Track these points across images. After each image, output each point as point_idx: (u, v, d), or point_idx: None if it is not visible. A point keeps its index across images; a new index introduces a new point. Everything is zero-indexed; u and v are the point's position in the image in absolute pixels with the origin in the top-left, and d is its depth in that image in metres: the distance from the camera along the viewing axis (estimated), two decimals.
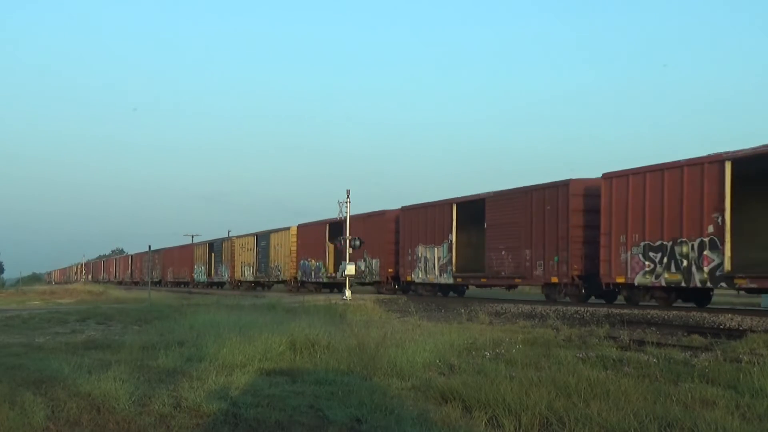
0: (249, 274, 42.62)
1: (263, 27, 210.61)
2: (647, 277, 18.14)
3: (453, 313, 19.39)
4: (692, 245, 16.99)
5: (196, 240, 59.97)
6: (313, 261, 36.20)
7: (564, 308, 18.66)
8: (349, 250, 29.43)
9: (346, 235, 29.33)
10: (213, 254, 49.39)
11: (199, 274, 51.28)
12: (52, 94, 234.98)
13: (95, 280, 77.72)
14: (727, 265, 16.18)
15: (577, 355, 9.90)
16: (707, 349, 11.09)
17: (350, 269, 28.53)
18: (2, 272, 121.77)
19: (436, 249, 26.61)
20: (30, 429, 5.74)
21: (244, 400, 6.69)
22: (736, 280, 16.37)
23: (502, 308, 20.14)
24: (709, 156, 16.78)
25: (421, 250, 27.64)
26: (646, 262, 18.16)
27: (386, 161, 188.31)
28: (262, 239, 41.33)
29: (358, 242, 29.59)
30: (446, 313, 19.96)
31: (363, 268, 31.62)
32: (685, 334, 13.82)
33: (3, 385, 7.40)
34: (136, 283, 64.66)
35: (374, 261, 31.07)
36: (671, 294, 18.60)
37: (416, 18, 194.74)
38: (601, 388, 6.87)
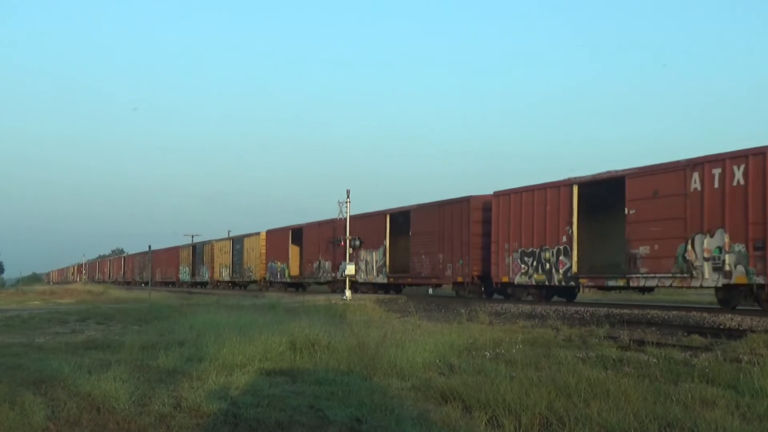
0: (226, 275, 46.26)
1: (263, 27, 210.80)
2: (523, 277, 22.43)
3: (453, 313, 19.39)
4: (552, 252, 21.27)
5: (197, 240, 60.40)
6: (278, 263, 40.03)
7: (564, 308, 18.68)
8: (349, 250, 29.48)
9: (346, 235, 29.39)
10: (195, 256, 52.73)
11: (184, 274, 54.60)
12: (52, 94, 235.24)
13: (91, 280, 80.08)
14: (575, 268, 20.57)
15: (577, 355, 9.90)
16: (707, 349, 11.09)
17: (350, 269, 28.59)
18: (2, 272, 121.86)
19: (374, 253, 30.84)
20: (30, 429, 5.74)
21: (244, 400, 6.69)
22: (580, 280, 20.83)
23: (502, 308, 20.15)
24: (563, 180, 21.12)
25: (363, 254, 31.62)
26: (522, 266, 22.44)
27: (386, 161, 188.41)
28: (237, 243, 45.10)
29: (358, 242, 29.68)
30: (446, 313, 19.97)
31: (317, 268, 35.66)
32: (685, 334, 13.83)
33: (3, 385, 7.40)
34: (128, 283, 67.36)
35: (326, 263, 35.03)
36: (541, 290, 22.35)
37: (416, 18, 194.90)
38: (601, 388, 6.87)
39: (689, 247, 17.10)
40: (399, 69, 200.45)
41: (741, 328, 13.88)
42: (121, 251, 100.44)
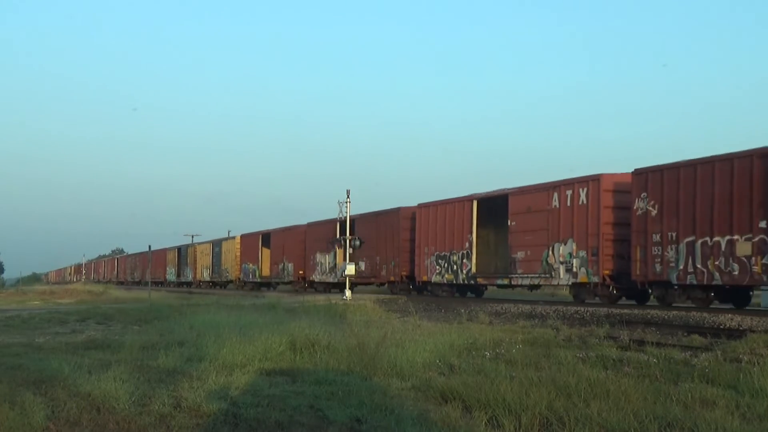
0: (207, 275, 50.42)
1: (263, 27, 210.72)
2: (437, 276, 26.72)
3: (453, 313, 19.39)
4: (459, 255, 25.57)
5: (197, 240, 61.49)
6: (251, 265, 43.99)
7: (564, 308, 18.69)
8: (349, 250, 29.50)
9: (346, 235, 29.42)
10: (180, 258, 56.63)
11: (170, 274, 58.71)
12: (51, 94, 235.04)
13: (88, 280, 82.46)
14: (474, 269, 25.01)
15: (577, 355, 9.90)
16: (707, 349, 11.09)
17: (350, 269, 28.60)
18: (2, 272, 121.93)
19: (327, 256, 35.09)
20: (30, 429, 5.74)
21: (244, 400, 6.69)
22: (478, 279, 25.18)
23: (502, 308, 20.16)
24: (467, 196, 25.59)
25: (318, 256, 36.06)
26: (437, 267, 26.70)
27: (386, 161, 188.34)
28: (216, 246, 49.45)
29: (358, 242, 29.71)
30: (446, 313, 19.97)
31: (282, 269, 39.74)
32: (685, 334, 13.83)
33: (3, 385, 7.40)
34: (121, 283, 70.61)
35: (290, 264, 39.16)
36: (452, 288, 26.77)
37: (416, 18, 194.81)
38: (601, 388, 6.87)
39: (551, 252, 21.35)
40: (399, 69, 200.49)
41: (741, 328, 13.88)
42: (121, 251, 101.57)
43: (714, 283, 16.92)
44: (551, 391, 6.71)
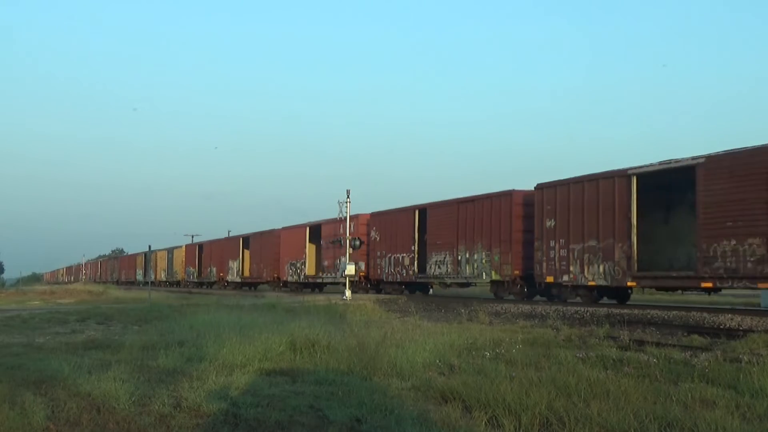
0: (163, 276, 61.21)
1: (263, 27, 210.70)
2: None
3: (453, 313, 19.39)
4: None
5: (196, 240, 63.81)
6: (191, 268, 55.54)
7: (564, 308, 18.68)
8: (349, 250, 29.50)
9: (346, 235, 29.42)
10: (147, 262, 63.99)
11: (139, 275, 68.38)
12: (52, 94, 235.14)
13: (77, 281, 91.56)
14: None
15: (577, 355, 9.89)
16: (707, 349, 11.09)
17: (350, 269, 28.60)
18: (2, 272, 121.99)
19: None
20: (30, 429, 5.74)
21: (244, 400, 6.69)
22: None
23: (502, 308, 20.15)
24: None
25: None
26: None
27: (386, 161, 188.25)
28: (170, 253, 60.05)
29: (358, 242, 29.72)
30: (446, 313, 19.96)
31: (209, 272, 49.45)
32: (685, 334, 13.82)
33: (3, 385, 7.40)
34: (104, 282, 78.83)
35: (213, 269, 49.84)
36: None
37: (417, 18, 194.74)
38: (601, 388, 6.87)
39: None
40: (399, 69, 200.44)
41: (741, 328, 13.89)
42: (121, 251, 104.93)
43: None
44: (551, 391, 6.71)
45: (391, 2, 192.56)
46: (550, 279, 21.35)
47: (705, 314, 15.87)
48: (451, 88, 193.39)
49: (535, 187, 22.25)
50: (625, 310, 17.13)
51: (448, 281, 26.55)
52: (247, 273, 45.42)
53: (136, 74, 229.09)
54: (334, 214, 31.47)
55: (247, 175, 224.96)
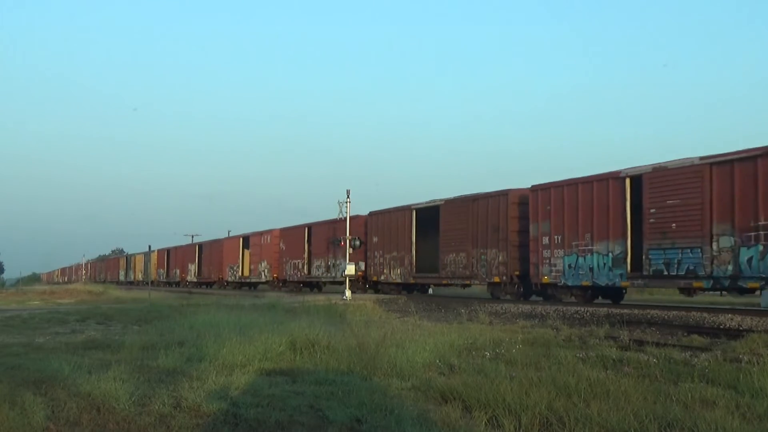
0: (141, 277, 68.87)
1: (263, 27, 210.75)
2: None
3: (453, 313, 19.39)
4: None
5: (196, 239, 65.47)
6: (161, 270, 65.16)
7: (564, 308, 18.68)
8: (349, 250, 29.50)
9: (346, 234, 29.43)
10: (128, 263, 76.93)
11: (122, 276, 78.78)
12: (52, 94, 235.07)
13: (70, 281, 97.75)
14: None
15: (577, 355, 9.90)
16: (707, 349, 11.09)
17: (350, 269, 28.60)
18: (2, 272, 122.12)
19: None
20: (30, 429, 5.74)
21: (244, 400, 6.69)
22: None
23: (502, 308, 20.14)
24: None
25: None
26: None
27: (386, 161, 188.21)
28: (146, 257, 66.39)
29: (358, 242, 29.72)
30: (446, 313, 19.96)
31: (174, 274, 57.78)
32: (685, 334, 13.82)
33: (3, 385, 7.39)
34: (95, 281, 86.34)
35: (176, 270, 59.26)
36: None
37: (417, 18, 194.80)
38: (601, 388, 6.87)
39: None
40: (400, 69, 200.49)
41: (741, 328, 13.88)
42: (121, 251, 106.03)
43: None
44: (551, 391, 6.71)
45: (391, 2, 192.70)
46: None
47: (705, 314, 15.87)
48: (451, 88, 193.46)
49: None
50: (625, 310, 17.13)
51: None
52: (200, 274, 54.83)
53: (136, 74, 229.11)
54: (334, 214, 31.80)
55: (247, 175, 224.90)
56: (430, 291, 30.68)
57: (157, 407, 6.44)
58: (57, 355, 9.95)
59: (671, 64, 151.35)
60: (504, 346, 10.82)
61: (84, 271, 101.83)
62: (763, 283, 15.76)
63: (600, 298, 21.37)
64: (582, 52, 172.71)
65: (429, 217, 27.63)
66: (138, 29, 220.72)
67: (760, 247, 15.67)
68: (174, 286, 58.48)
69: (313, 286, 38.33)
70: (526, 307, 19.87)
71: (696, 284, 17.15)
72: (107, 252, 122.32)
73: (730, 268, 16.25)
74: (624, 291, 21.73)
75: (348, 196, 29.60)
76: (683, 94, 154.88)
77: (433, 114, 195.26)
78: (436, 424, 5.83)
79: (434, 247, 27.29)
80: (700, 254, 16.82)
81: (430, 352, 9.54)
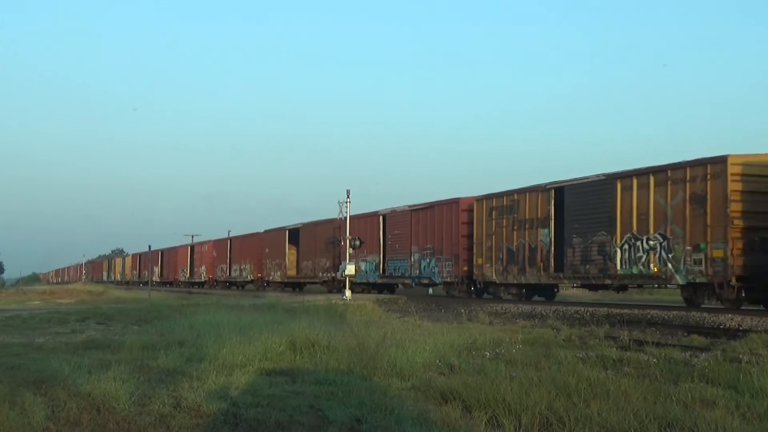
0: (120, 278, 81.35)
1: (263, 27, 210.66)
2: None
3: (453, 313, 19.40)
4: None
5: (196, 240, 65.11)
6: (135, 271, 73.83)
7: (564, 308, 18.69)
8: (349, 250, 29.51)
9: (346, 234, 29.44)
10: (109, 265, 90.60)
11: (105, 275, 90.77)
12: (51, 94, 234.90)
13: (66, 282, 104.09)
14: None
15: (577, 355, 9.89)
16: (707, 349, 11.09)
17: (350, 269, 28.60)
18: (2, 272, 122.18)
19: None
20: (30, 429, 5.74)
21: (244, 400, 6.69)
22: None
23: (502, 308, 20.16)
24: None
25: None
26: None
27: (386, 161, 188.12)
28: (123, 260, 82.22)
29: (358, 242, 29.72)
30: (446, 313, 19.97)
31: (146, 275, 61.69)
32: (685, 334, 13.82)
33: (3, 385, 7.39)
34: (82, 281, 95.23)
35: (145, 272, 64.37)
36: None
37: (416, 18, 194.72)
38: (601, 388, 6.87)
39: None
40: (400, 69, 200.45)
41: (741, 328, 13.89)
42: (121, 251, 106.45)
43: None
44: (551, 391, 6.71)
45: (391, 3, 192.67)
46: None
47: (705, 314, 15.88)
48: (451, 88, 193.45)
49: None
50: (625, 310, 17.13)
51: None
52: (162, 275, 65.91)
53: (136, 74, 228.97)
54: (333, 214, 32.00)
55: (247, 175, 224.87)
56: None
57: (157, 407, 6.45)
58: (57, 355, 9.94)
59: (671, 64, 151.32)
60: (504, 346, 10.82)
61: (75, 273, 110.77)
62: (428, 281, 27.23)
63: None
64: (582, 52, 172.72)
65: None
66: (138, 29, 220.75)
67: (428, 260, 26.90)
68: (142, 285, 67.47)
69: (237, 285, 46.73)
70: (526, 307, 19.88)
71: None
72: (107, 252, 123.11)
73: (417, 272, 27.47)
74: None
75: (348, 196, 29.62)
76: (683, 94, 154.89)
77: (433, 114, 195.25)
78: (436, 424, 5.83)
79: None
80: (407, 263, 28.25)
81: (430, 352, 9.54)
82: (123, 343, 11.26)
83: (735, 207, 16.23)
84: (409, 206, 29.02)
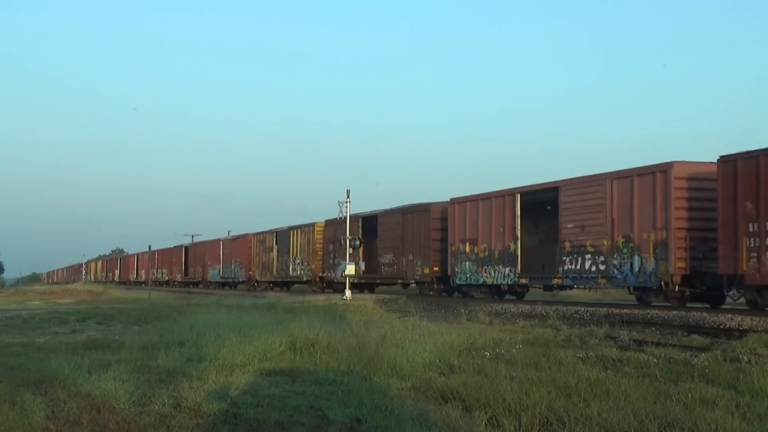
0: (101, 277, 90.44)
1: (263, 27, 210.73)
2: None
3: (453, 313, 19.38)
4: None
5: (196, 239, 64.63)
6: (116, 271, 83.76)
7: (564, 308, 18.69)
8: (349, 250, 29.50)
9: (346, 234, 29.43)
10: (103, 265, 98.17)
11: (101, 276, 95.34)
12: (52, 95, 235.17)
13: (67, 282, 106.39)
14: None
15: (577, 355, 9.89)
16: (707, 349, 11.08)
17: (350, 269, 28.60)
18: (2, 272, 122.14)
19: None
20: (30, 429, 5.74)
21: (244, 400, 6.69)
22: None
23: (502, 308, 20.15)
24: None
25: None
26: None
27: (386, 161, 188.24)
28: (96, 263, 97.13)
29: (358, 242, 29.73)
30: (446, 313, 19.95)
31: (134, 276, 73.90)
32: (685, 334, 13.81)
33: (3, 385, 7.40)
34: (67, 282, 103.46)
35: (117, 271, 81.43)
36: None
37: (416, 18, 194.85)
38: (601, 388, 6.87)
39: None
40: (400, 69, 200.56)
41: (741, 328, 13.88)
42: (121, 251, 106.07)
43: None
44: (551, 391, 6.71)
45: (392, 3, 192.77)
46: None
47: (705, 314, 15.87)
48: (452, 88, 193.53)
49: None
50: (625, 310, 17.13)
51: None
52: (139, 277, 72.45)
53: (136, 74, 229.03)
54: (334, 214, 32.06)
55: (247, 175, 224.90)
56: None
57: (157, 407, 6.45)
58: (57, 355, 9.94)
59: (671, 64, 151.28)
60: (504, 346, 10.82)
61: (66, 274, 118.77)
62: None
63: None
64: (582, 53, 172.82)
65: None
66: (138, 29, 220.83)
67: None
68: (122, 283, 75.94)
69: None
70: (526, 307, 19.88)
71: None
72: (107, 252, 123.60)
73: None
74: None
75: (348, 196, 29.62)
76: (683, 94, 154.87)
77: (433, 114, 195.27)
78: (436, 424, 5.83)
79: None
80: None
81: (430, 352, 9.53)
82: (123, 343, 11.25)
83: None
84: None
